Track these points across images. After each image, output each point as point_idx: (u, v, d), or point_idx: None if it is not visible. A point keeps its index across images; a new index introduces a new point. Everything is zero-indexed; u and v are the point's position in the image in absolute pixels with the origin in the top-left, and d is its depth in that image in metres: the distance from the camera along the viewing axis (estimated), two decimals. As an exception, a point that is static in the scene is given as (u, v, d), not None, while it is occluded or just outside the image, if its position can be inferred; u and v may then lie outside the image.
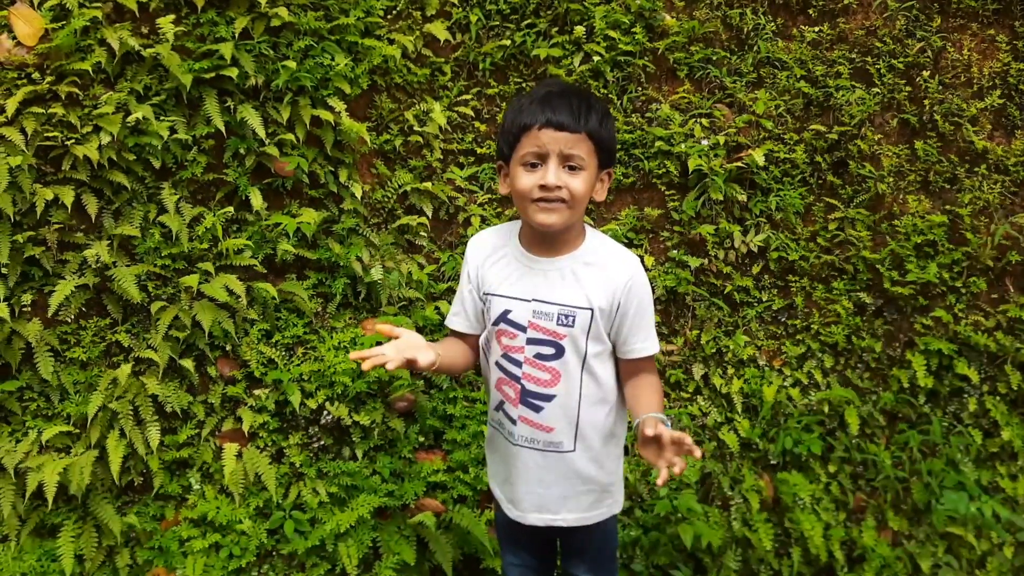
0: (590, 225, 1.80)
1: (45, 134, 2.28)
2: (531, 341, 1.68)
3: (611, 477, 1.81)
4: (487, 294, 1.74)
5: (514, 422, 1.74)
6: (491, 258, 1.76)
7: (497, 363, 1.75)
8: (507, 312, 1.70)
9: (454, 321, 1.84)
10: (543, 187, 1.57)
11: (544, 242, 1.69)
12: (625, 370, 1.75)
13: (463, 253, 1.86)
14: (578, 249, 1.69)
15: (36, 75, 2.29)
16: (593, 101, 1.63)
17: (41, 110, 2.27)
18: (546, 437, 1.72)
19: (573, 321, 1.65)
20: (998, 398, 2.76)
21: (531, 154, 1.59)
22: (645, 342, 1.71)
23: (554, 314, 1.65)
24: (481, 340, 1.82)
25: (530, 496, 1.77)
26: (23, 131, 2.24)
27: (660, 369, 2.81)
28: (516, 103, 1.66)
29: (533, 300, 1.67)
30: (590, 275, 1.67)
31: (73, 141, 2.30)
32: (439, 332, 2.73)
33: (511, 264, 1.72)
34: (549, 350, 1.67)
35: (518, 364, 1.70)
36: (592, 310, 1.64)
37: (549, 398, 1.70)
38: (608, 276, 1.66)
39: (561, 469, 1.74)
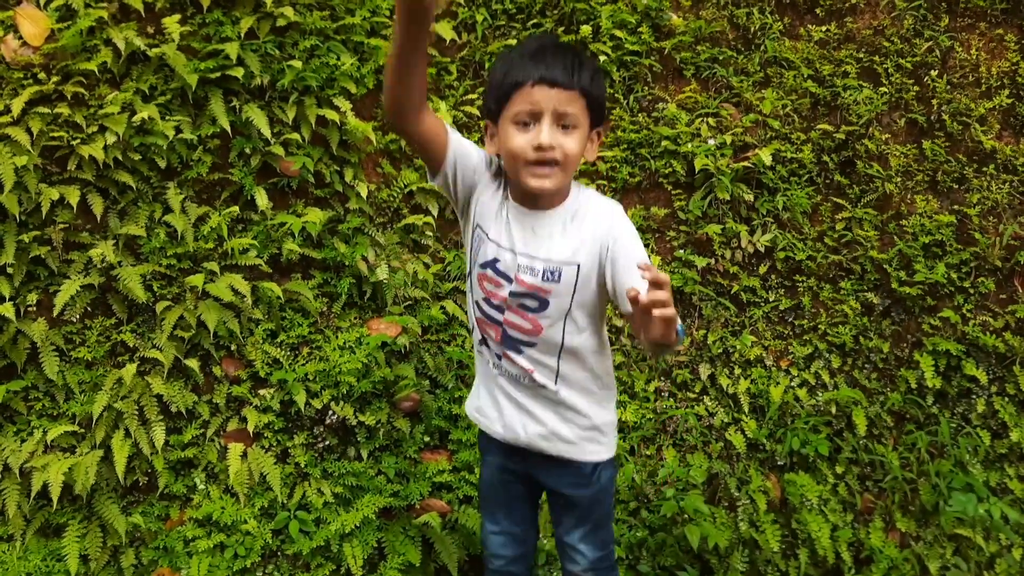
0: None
1: (51, 134, 2.28)
2: (514, 294, 1.65)
3: (600, 418, 1.77)
4: (479, 227, 1.68)
5: (499, 357, 1.73)
6: (492, 185, 1.68)
7: (477, 303, 1.71)
8: (496, 261, 1.65)
9: (454, 133, 1.67)
10: (538, 148, 1.52)
11: (534, 198, 1.64)
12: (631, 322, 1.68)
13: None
14: (564, 203, 1.65)
15: (42, 75, 2.29)
16: (584, 57, 1.58)
17: (47, 110, 2.27)
18: (527, 376, 1.70)
19: (559, 277, 1.62)
20: (1007, 399, 2.74)
21: (524, 112, 1.53)
22: (641, 283, 1.61)
23: (540, 270, 1.62)
24: (466, 270, 1.77)
25: (518, 421, 1.75)
26: (29, 131, 2.24)
27: (667, 368, 2.80)
28: (506, 58, 1.60)
29: (523, 253, 1.63)
30: (576, 229, 1.62)
31: (79, 141, 2.30)
32: (444, 332, 2.73)
33: (502, 208, 1.66)
34: (533, 303, 1.64)
35: (500, 310, 1.68)
36: (578, 265, 1.61)
37: (531, 344, 1.68)
38: (592, 229, 1.61)
39: (546, 402, 1.72)
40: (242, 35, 2.42)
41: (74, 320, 2.39)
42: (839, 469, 2.74)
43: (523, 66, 1.53)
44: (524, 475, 1.86)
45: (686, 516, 2.58)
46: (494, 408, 1.80)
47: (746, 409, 2.75)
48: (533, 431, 1.75)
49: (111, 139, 2.30)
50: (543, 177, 1.55)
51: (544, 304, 1.64)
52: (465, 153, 1.65)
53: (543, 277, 1.62)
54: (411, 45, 1.41)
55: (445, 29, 2.69)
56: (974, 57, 2.78)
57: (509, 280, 1.65)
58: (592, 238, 1.61)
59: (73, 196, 2.28)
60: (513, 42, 2.75)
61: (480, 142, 1.71)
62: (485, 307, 1.71)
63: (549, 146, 1.52)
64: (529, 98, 1.52)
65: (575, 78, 1.53)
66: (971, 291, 2.76)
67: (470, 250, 1.73)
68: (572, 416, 1.74)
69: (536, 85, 1.51)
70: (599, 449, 1.79)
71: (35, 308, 2.35)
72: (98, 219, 2.36)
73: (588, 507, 1.83)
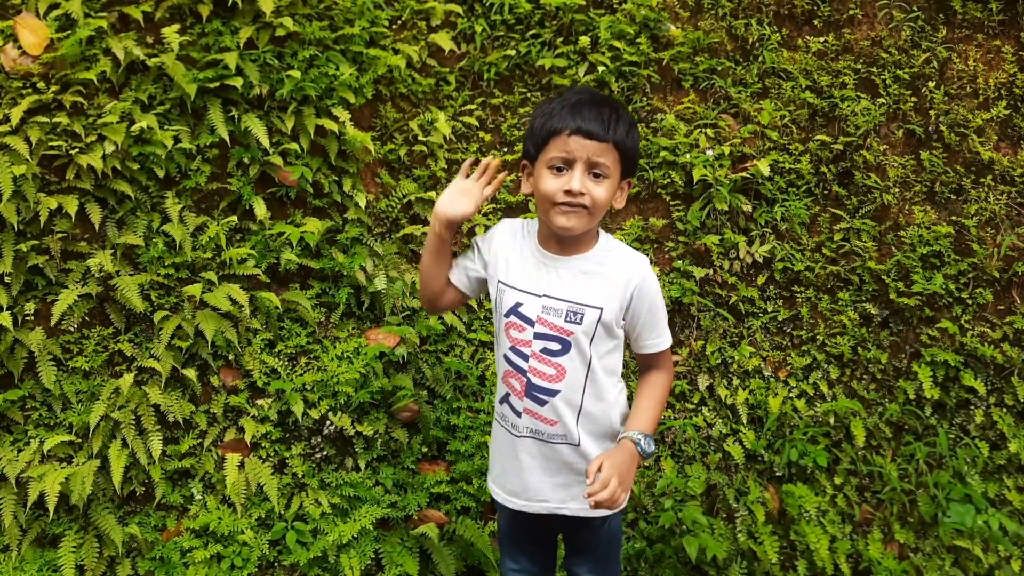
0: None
1: (49, 143, 2.28)
2: (538, 336, 1.71)
3: None
4: (500, 282, 1.77)
5: (519, 414, 1.76)
6: (511, 245, 1.79)
7: (505, 356, 1.77)
8: (518, 305, 1.73)
9: (453, 272, 1.89)
10: (567, 192, 1.61)
11: (559, 242, 1.72)
12: (640, 363, 1.84)
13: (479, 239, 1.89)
14: (591, 250, 1.73)
15: (41, 84, 2.29)
16: (621, 111, 1.66)
17: (46, 119, 2.27)
18: (550, 430, 1.74)
19: (581, 319, 1.68)
20: (1005, 410, 2.74)
21: (558, 159, 1.63)
22: (658, 338, 1.77)
23: (563, 311, 1.69)
24: (495, 330, 1.85)
25: (534, 486, 1.78)
26: (28, 140, 2.24)
27: (664, 380, 2.79)
28: (547, 107, 1.69)
29: (544, 296, 1.70)
30: (601, 275, 1.71)
31: (77, 150, 2.30)
32: (443, 342, 2.73)
33: (527, 258, 1.76)
34: (556, 346, 1.70)
35: (525, 358, 1.73)
36: (600, 309, 1.68)
37: (554, 393, 1.72)
38: (618, 277, 1.70)
39: (564, 459, 1.76)
40: (241, 45, 2.42)
41: (72, 329, 2.38)
42: (837, 480, 2.73)
43: (562, 116, 1.63)
44: (539, 525, 1.89)
45: (684, 527, 2.58)
46: (515, 476, 1.81)
47: (744, 420, 2.75)
48: (552, 507, 1.79)
49: (110, 148, 2.30)
50: (569, 215, 1.63)
51: (566, 347, 1.70)
52: (472, 277, 1.85)
53: (565, 318, 1.69)
54: (440, 255, 1.80)
55: (444, 39, 2.70)
56: (971, 68, 2.79)
57: (531, 323, 1.71)
58: (615, 284, 1.69)
59: (71, 205, 2.28)
60: (512, 53, 2.76)
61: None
62: (512, 357, 1.75)
63: (579, 192, 1.61)
64: (565, 146, 1.62)
65: (610, 131, 1.61)
66: (969, 302, 2.76)
67: (496, 309, 1.79)
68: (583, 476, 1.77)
69: (572, 135, 1.61)
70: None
71: (33, 317, 2.34)
72: (96, 228, 2.36)
73: (597, 547, 1.90)
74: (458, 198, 1.77)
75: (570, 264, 1.72)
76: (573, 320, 1.68)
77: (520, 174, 1.79)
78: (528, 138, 1.72)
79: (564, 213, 1.63)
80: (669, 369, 1.84)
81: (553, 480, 1.78)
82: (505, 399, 1.80)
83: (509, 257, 1.78)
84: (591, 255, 1.73)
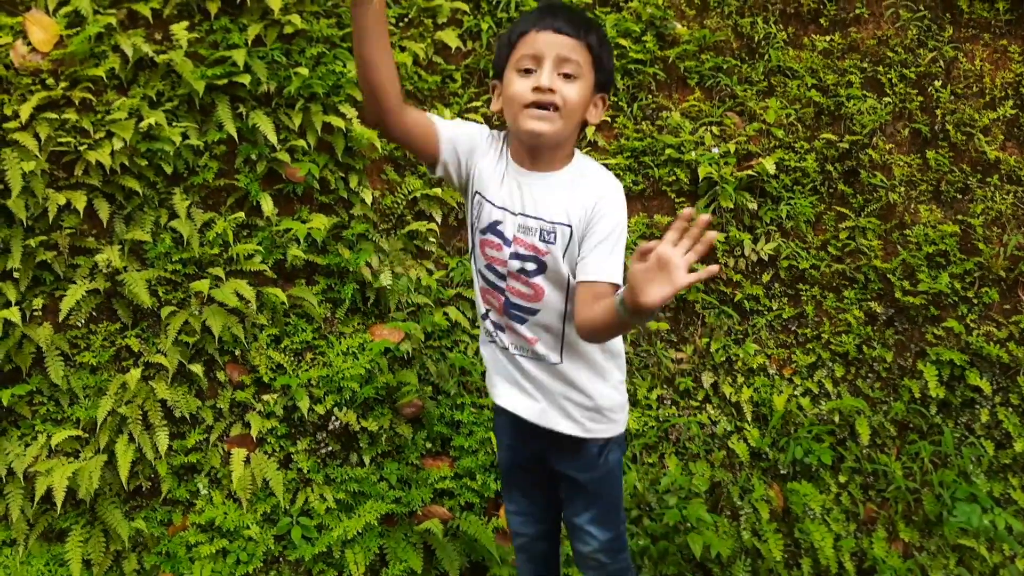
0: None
1: (58, 139, 2.29)
2: (514, 256, 1.63)
3: (607, 398, 1.74)
4: (479, 193, 1.66)
5: (502, 329, 1.71)
6: (491, 154, 1.67)
7: (480, 272, 1.71)
8: (497, 223, 1.64)
9: (433, 117, 1.66)
10: (536, 89, 1.51)
11: (533, 155, 1.62)
12: (581, 299, 1.57)
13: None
14: (564, 168, 1.63)
15: (50, 81, 2.30)
16: (593, 22, 1.60)
17: (55, 115, 2.28)
18: (531, 348, 1.69)
19: (554, 238, 1.60)
20: (1010, 409, 2.74)
21: (527, 57, 1.53)
22: (602, 264, 1.55)
23: (536, 229, 1.61)
24: (469, 242, 1.75)
25: (527, 399, 1.73)
26: (37, 136, 2.25)
27: (670, 376, 2.80)
28: (516, 19, 1.64)
29: (520, 214, 1.62)
30: (572, 193, 1.61)
31: (86, 146, 2.31)
32: (447, 338, 2.74)
33: (503, 173, 1.65)
34: (531, 265, 1.63)
35: (502, 277, 1.67)
36: (571, 227, 1.59)
37: (533, 311, 1.66)
38: (587, 193, 1.60)
39: (551, 377, 1.70)
40: (249, 42, 2.43)
41: (79, 325, 2.40)
42: (842, 478, 2.73)
43: (530, 18, 1.56)
44: (535, 457, 1.85)
45: (689, 525, 2.58)
46: (511, 385, 1.77)
47: (749, 418, 2.75)
48: (530, 408, 1.73)
49: (118, 145, 2.31)
50: (540, 119, 1.52)
51: (542, 266, 1.62)
52: (462, 134, 1.64)
53: (540, 237, 1.61)
54: (361, 34, 1.45)
55: (450, 37, 2.71)
56: (978, 68, 2.79)
57: (508, 243, 1.64)
58: (583, 203, 1.59)
59: (80, 201, 2.30)
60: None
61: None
62: (488, 275, 1.69)
63: (548, 88, 1.51)
64: (533, 44, 1.53)
65: (581, 32, 1.54)
66: (975, 301, 2.76)
67: (472, 219, 1.70)
68: (573, 394, 1.72)
69: (540, 31, 1.53)
70: (603, 428, 1.76)
71: (41, 313, 2.36)
72: (104, 224, 2.37)
73: (596, 489, 1.81)
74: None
75: (544, 180, 1.62)
76: (547, 239, 1.60)
77: (492, 95, 1.68)
78: (496, 52, 1.63)
79: (533, 117, 1.52)
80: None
81: (545, 395, 1.72)
82: (486, 316, 1.74)
83: (489, 167, 1.66)
84: (564, 172, 1.62)
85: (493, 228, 1.65)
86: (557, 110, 1.53)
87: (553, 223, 1.60)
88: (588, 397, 1.73)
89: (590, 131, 2.77)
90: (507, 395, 1.78)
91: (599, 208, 1.57)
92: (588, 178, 1.63)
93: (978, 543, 2.65)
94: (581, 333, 1.60)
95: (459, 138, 1.64)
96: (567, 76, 1.53)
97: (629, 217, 2.81)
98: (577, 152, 1.67)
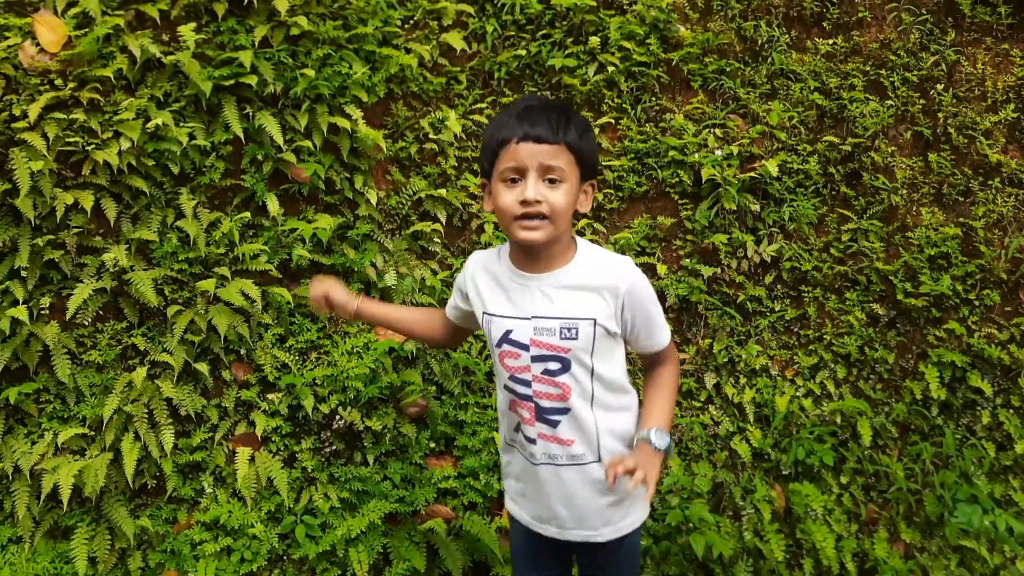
0: (593, 239, 1.77)
1: (66, 139, 2.31)
2: (536, 359, 1.65)
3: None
4: (485, 313, 1.72)
5: (533, 441, 1.70)
6: (485, 275, 1.74)
7: (506, 386, 1.72)
8: (509, 332, 1.67)
9: (448, 309, 1.91)
10: (523, 202, 1.55)
11: (532, 258, 1.65)
12: (644, 362, 1.80)
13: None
14: (570, 262, 1.66)
15: (59, 81, 2.32)
16: (572, 114, 1.61)
17: (63, 115, 2.30)
18: (567, 451, 1.68)
19: (576, 333, 1.62)
20: (1011, 411, 2.75)
21: (510, 169, 1.56)
22: (657, 336, 1.71)
23: (556, 328, 1.62)
24: (493, 364, 1.81)
25: (563, 514, 1.73)
26: (45, 136, 2.27)
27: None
28: (495, 119, 1.64)
29: (533, 317, 1.64)
30: (587, 285, 1.64)
31: (94, 146, 2.33)
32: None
33: (505, 282, 1.70)
34: (555, 365, 1.65)
35: (527, 384, 1.68)
36: (594, 320, 1.62)
37: (564, 411, 1.67)
38: (605, 284, 1.63)
39: (587, 482, 1.70)
40: (256, 43, 2.45)
41: (86, 323, 2.41)
42: (844, 479, 2.74)
43: (509, 125, 1.57)
44: (556, 541, 1.82)
45: (691, 525, 2.59)
46: (536, 503, 1.77)
47: (751, 418, 2.76)
48: (586, 534, 1.74)
49: (125, 145, 2.33)
50: (532, 230, 1.57)
51: (566, 364, 1.64)
52: (465, 312, 1.84)
53: (560, 336, 1.63)
54: (372, 323, 1.83)
55: (455, 39, 2.72)
56: (980, 71, 2.80)
57: (526, 348, 1.65)
58: (603, 292, 1.63)
59: (87, 201, 2.31)
60: (523, 52, 2.78)
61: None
62: (514, 386, 1.70)
63: (535, 200, 1.54)
64: (515, 155, 1.55)
65: (560, 133, 1.55)
66: (976, 303, 2.77)
67: (489, 341, 1.74)
68: (616, 496, 1.72)
69: (521, 142, 1.55)
70: (639, 513, 1.78)
71: (48, 311, 2.37)
72: (111, 224, 2.39)
73: (619, 568, 1.84)
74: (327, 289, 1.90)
75: (552, 279, 1.64)
76: (568, 336, 1.62)
77: (482, 193, 1.73)
78: (481, 154, 1.66)
79: (525, 228, 1.56)
80: (674, 362, 1.78)
81: (575, 506, 1.71)
82: (518, 428, 1.74)
83: (487, 287, 1.72)
84: (571, 267, 1.65)
85: (507, 338, 1.67)
86: (546, 218, 1.56)
87: (574, 319, 1.62)
88: (623, 490, 1.71)
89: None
90: (537, 515, 1.78)
91: (632, 295, 1.64)
92: (602, 269, 1.65)
93: (979, 544, 2.66)
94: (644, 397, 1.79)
95: (458, 304, 1.85)
96: (552, 181, 1.57)
97: (632, 218, 2.84)
98: (578, 240, 1.71)
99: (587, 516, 1.72)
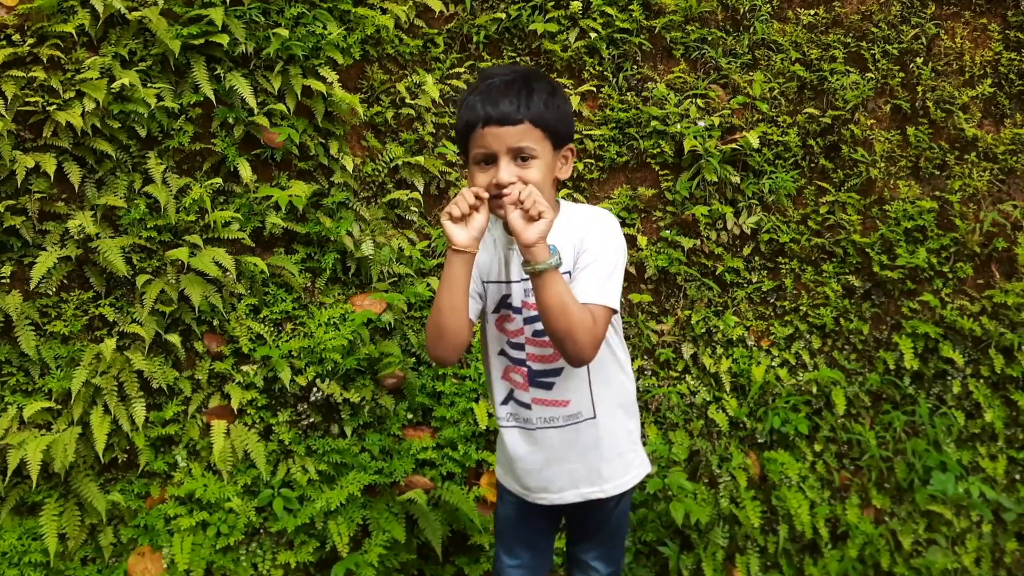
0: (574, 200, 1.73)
1: (25, 99, 2.19)
2: (528, 320, 1.66)
3: (633, 437, 1.78)
4: (484, 282, 1.71)
5: (528, 406, 1.71)
6: (484, 244, 1.69)
7: (501, 352, 1.72)
8: (507, 297, 1.68)
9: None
10: (497, 186, 1.54)
11: None
12: None
13: None
14: (555, 223, 1.62)
15: (16, 36, 2.19)
16: (534, 83, 1.58)
17: (21, 73, 2.18)
18: (564, 412, 1.69)
19: None
20: (981, 381, 2.81)
21: (480, 154, 1.57)
22: (589, 286, 1.57)
23: None
24: (483, 335, 1.78)
25: (558, 478, 1.73)
26: (3, 95, 2.16)
27: (651, 347, 2.81)
28: (462, 100, 1.62)
29: (521, 280, 1.65)
30: (563, 239, 1.62)
31: (55, 107, 2.21)
32: (427, 309, 2.70)
33: (499, 250, 1.70)
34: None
35: (520, 347, 1.69)
36: (569, 273, 1.60)
37: (557, 372, 1.68)
38: (573, 231, 1.63)
39: (587, 439, 1.71)
40: (227, 0, 2.34)
41: (50, 293, 2.32)
42: (818, 447, 2.79)
43: (473, 108, 1.56)
44: (547, 509, 1.82)
45: (669, 493, 2.62)
46: (537, 473, 1.74)
47: (728, 388, 2.78)
48: (586, 491, 1.73)
49: (89, 105, 2.22)
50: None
51: None
52: (477, 291, 1.70)
53: None
54: (455, 284, 1.55)
55: (433, 0, 2.64)
56: (958, 45, 2.82)
57: (519, 311, 1.66)
58: (572, 242, 1.62)
59: (49, 164, 2.20)
60: (503, 16, 2.71)
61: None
62: (509, 351, 1.70)
63: (508, 183, 1.53)
64: (482, 141, 1.55)
65: (522, 110, 1.53)
66: (950, 276, 2.82)
67: (485, 311, 1.72)
68: (615, 451, 1.73)
69: (486, 127, 1.54)
70: (639, 469, 1.79)
71: (8, 280, 2.27)
72: (75, 189, 2.28)
73: (610, 532, 1.86)
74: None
75: None
76: None
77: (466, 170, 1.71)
78: (456, 137, 1.64)
79: (503, 207, 1.54)
80: (591, 318, 1.54)
81: (575, 466, 1.72)
82: (509, 397, 1.74)
83: (484, 260, 1.70)
84: (556, 225, 1.61)
85: (504, 303, 1.69)
86: None
87: None
88: (622, 445, 1.74)
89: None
90: (534, 486, 1.75)
91: (585, 242, 1.61)
92: (574, 220, 1.66)
93: (946, 509, 2.74)
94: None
95: (473, 293, 1.67)
96: (524, 159, 1.55)
97: (612, 189, 2.81)
98: (562, 202, 1.70)
99: (586, 474, 1.73)
